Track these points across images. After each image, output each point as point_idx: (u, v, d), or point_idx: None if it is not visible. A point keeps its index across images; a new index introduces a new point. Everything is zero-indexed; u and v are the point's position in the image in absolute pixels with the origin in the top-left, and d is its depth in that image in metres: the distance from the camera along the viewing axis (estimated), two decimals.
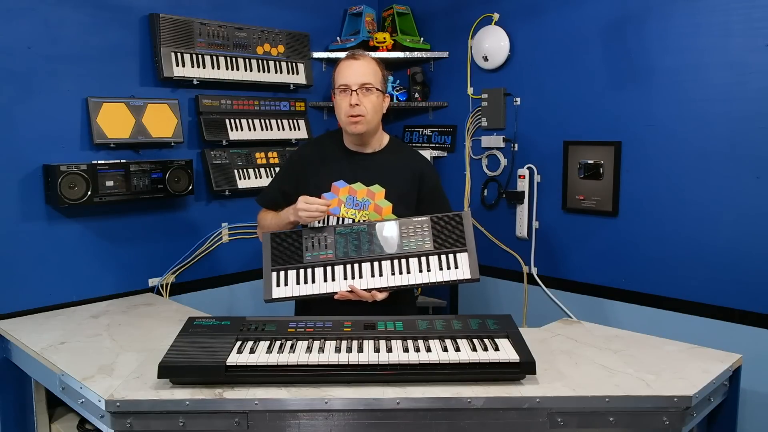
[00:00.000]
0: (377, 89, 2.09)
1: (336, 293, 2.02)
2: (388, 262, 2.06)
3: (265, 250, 2.08)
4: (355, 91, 2.05)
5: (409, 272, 2.04)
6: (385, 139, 2.23)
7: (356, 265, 2.06)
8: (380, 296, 2.02)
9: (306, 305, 2.20)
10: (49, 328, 2.34)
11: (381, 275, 2.04)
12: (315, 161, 2.20)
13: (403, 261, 2.06)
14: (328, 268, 2.06)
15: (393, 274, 2.04)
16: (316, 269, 2.06)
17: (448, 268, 2.05)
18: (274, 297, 2.04)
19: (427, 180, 2.19)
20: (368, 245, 2.07)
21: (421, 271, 2.04)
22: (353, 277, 2.04)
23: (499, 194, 3.32)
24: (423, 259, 2.06)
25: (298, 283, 2.05)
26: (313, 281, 2.05)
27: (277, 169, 3.23)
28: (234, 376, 1.69)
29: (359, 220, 2.13)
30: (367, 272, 2.05)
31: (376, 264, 2.06)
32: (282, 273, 2.06)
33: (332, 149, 2.21)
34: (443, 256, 2.06)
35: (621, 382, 1.75)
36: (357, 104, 2.05)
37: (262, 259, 2.08)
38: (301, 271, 2.06)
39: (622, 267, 2.88)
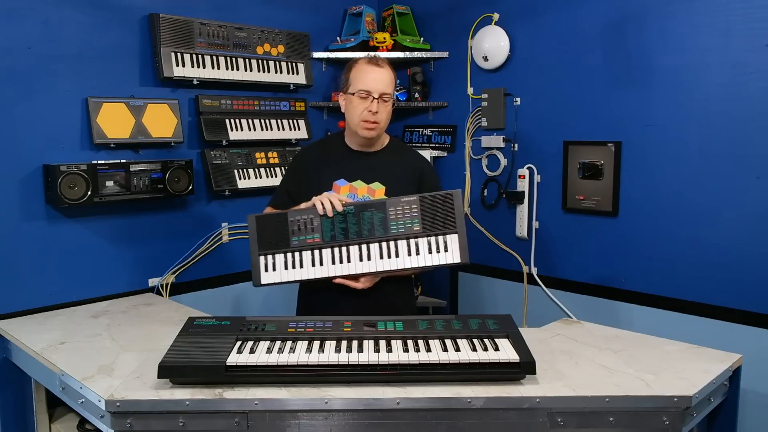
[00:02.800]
0: (393, 100, 2.13)
1: (327, 278, 2.02)
2: (376, 245, 2.04)
3: (251, 234, 2.06)
4: (376, 99, 2.07)
5: (397, 256, 2.03)
6: (386, 138, 2.26)
7: (344, 249, 2.04)
8: (366, 284, 2.03)
9: (309, 302, 2.20)
10: (49, 328, 2.34)
11: (369, 259, 2.03)
12: (318, 161, 2.23)
13: (392, 243, 2.04)
14: (316, 252, 2.04)
15: (381, 257, 2.02)
16: (304, 253, 2.04)
17: (438, 251, 2.03)
18: (263, 282, 2.03)
19: (427, 179, 2.21)
20: (356, 227, 2.05)
21: (410, 254, 2.03)
22: (341, 261, 2.03)
23: (499, 194, 3.32)
24: (412, 241, 2.04)
25: (286, 267, 2.03)
26: (302, 266, 2.03)
27: (277, 169, 3.25)
28: (234, 376, 1.69)
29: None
30: (355, 256, 2.03)
31: (364, 247, 2.04)
32: (270, 257, 2.05)
33: (335, 149, 2.24)
34: (432, 239, 2.04)
35: (621, 382, 1.75)
36: (377, 112, 2.07)
37: (249, 243, 2.06)
38: (289, 255, 2.04)
39: (622, 267, 2.88)
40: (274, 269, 2.03)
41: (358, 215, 2.05)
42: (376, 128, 2.11)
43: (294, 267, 2.03)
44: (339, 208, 2.04)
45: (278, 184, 2.37)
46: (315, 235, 2.05)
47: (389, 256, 2.02)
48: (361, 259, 2.03)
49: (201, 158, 3.08)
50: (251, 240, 2.06)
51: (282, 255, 2.04)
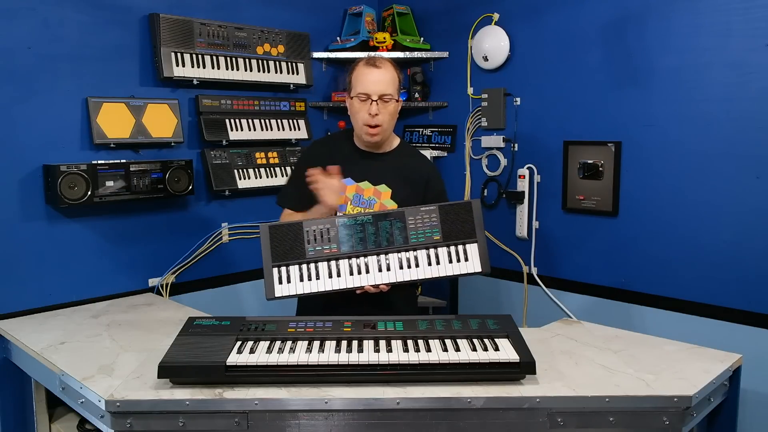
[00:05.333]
0: (395, 100, 2.10)
1: (345, 289, 1.96)
2: (395, 255, 1.99)
3: (264, 244, 1.98)
4: (375, 101, 2.05)
5: (417, 266, 1.98)
6: (395, 141, 2.24)
7: (362, 260, 1.98)
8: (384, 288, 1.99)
9: (308, 305, 2.19)
10: (49, 328, 2.34)
11: (389, 270, 1.98)
12: (325, 160, 2.19)
13: (411, 254, 1.99)
14: (333, 263, 1.98)
15: (401, 268, 1.98)
16: (320, 264, 1.98)
17: (458, 260, 1.98)
18: (276, 295, 1.95)
19: (433, 186, 2.20)
20: (374, 237, 2.00)
21: (429, 264, 1.98)
22: (359, 273, 1.97)
23: (499, 194, 3.32)
24: (432, 251, 1.99)
25: (301, 279, 1.96)
26: (318, 277, 1.97)
27: (277, 169, 3.25)
28: (234, 376, 1.69)
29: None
30: (374, 267, 1.98)
31: (383, 258, 1.99)
32: (284, 269, 1.97)
33: (342, 148, 2.21)
34: (452, 248, 2.00)
35: (621, 382, 1.75)
36: (376, 114, 2.05)
37: (262, 254, 1.99)
38: (304, 266, 1.97)
39: (622, 267, 2.88)
40: (288, 281, 1.96)
41: (376, 225, 2.00)
42: (378, 132, 2.08)
43: (310, 279, 1.96)
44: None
45: (286, 182, 2.31)
46: (332, 245, 1.98)
47: (409, 267, 1.97)
48: (380, 270, 1.97)
49: (201, 158, 3.08)
50: (264, 251, 1.97)
51: (297, 266, 1.97)
